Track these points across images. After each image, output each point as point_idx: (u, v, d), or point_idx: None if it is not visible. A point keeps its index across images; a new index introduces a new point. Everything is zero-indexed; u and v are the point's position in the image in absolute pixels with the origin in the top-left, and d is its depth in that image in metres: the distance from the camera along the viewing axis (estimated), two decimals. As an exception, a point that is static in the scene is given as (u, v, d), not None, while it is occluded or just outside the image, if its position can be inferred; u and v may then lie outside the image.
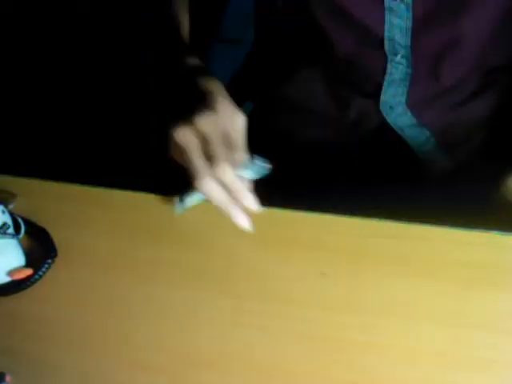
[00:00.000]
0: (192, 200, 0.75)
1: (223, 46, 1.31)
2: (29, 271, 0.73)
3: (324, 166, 0.92)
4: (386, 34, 0.79)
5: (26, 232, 0.77)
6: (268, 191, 0.71)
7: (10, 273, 0.73)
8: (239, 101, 0.74)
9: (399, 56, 0.81)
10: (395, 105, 0.86)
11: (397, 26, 0.78)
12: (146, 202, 0.81)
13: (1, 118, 1.46)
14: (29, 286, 0.73)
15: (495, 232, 0.72)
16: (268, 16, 0.98)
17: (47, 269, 0.74)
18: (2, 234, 0.74)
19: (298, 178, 0.92)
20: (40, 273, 0.74)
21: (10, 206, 0.79)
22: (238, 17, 1.25)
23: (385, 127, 0.88)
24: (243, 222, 0.71)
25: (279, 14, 0.92)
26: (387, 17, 0.77)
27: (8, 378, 0.66)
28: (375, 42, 0.80)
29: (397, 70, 0.82)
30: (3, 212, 0.75)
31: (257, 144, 0.71)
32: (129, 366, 0.67)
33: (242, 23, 1.19)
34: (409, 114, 0.86)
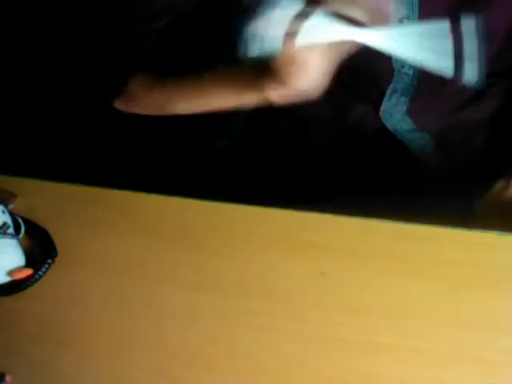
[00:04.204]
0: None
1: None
2: (29, 271, 0.73)
3: (324, 167, 0.92)
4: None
5: (25, 232, 0.77)
6: (268, 191, 0.71)
7: (10, 273, 0.73)
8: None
9: (406, 67, 0.80)
10: (395, 112, 0.86)
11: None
12: (146, 202, 0.81)
13: (1, 118, 1.46)
14: (29, 285, 0.73)
15: (495, 232, 0.72)
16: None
17: (47, 269, 0.74)
18: (2, 233, 0.74)
19: (297, 178, 0.92)
20: (40, 273, 0.74)
21: (10, 206, 0.79)
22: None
23: (384, 130, 0.88)
24: None
25: None
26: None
27: (8, 378, 0.66)
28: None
29: (402, 80, 0.82)
30: (3, 212, 0.76)
31: (256, 145, 0.71)
32: (129, 367, 0.67)
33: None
34: (408, 120, 0.86)
